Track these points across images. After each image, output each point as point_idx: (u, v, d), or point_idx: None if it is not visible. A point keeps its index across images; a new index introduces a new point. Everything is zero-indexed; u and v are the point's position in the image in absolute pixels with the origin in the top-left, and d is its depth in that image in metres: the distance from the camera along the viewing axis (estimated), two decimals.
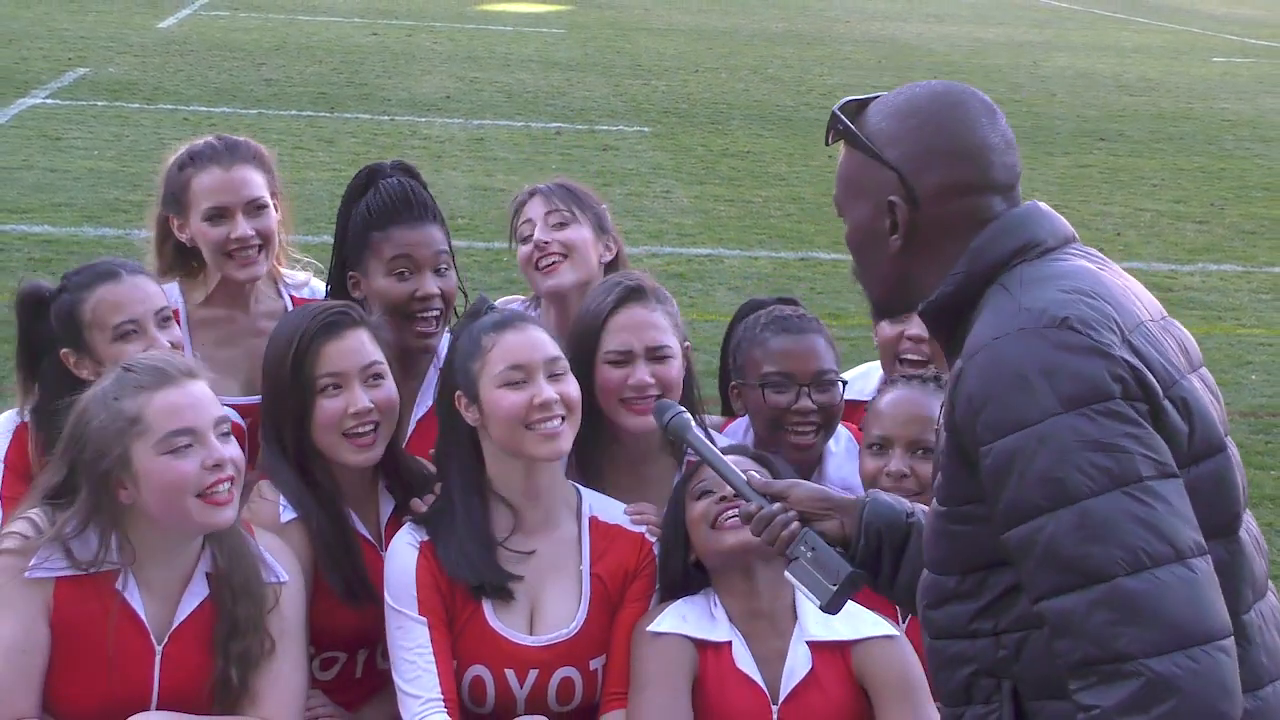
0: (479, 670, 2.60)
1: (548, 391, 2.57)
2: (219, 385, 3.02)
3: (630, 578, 2.67)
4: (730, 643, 2.62)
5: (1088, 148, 12.59)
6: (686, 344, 2.87)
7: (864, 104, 2.07)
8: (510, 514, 2.63)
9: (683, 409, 2.49)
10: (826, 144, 2.10)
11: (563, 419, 2.59)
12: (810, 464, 2.97)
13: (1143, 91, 16.60)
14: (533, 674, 2.60)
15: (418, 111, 12.74)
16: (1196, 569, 1.77)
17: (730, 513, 2.55)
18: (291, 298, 3.22)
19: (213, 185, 3.07)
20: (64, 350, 2.83)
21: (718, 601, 2.65)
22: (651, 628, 2.62)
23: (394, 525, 2.79)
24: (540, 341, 2.63)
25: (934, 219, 1.98)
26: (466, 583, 2.59)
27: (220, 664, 2.50)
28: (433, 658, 2.56)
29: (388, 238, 3.00)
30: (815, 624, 2.62)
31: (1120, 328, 1.86)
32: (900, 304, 2.07)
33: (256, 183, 3.11)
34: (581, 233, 3.24)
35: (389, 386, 2.74)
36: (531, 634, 2.62)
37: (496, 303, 3.14)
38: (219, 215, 3.07)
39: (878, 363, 3.35)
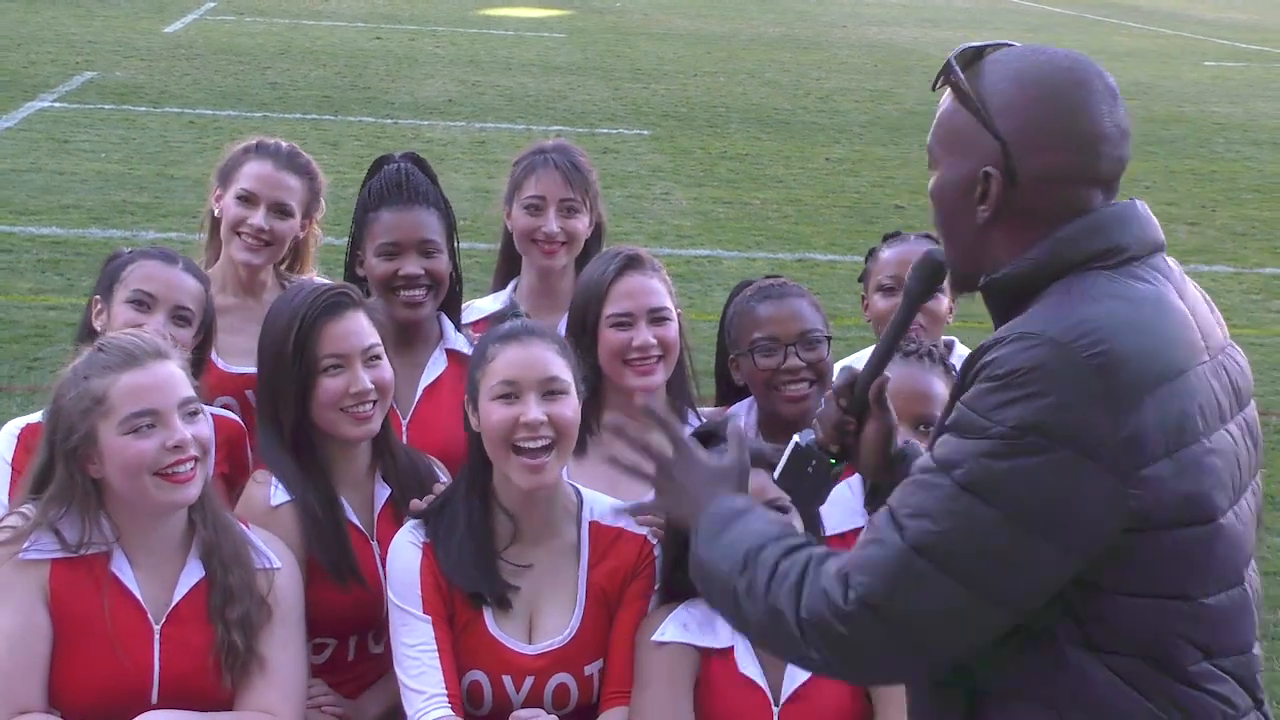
0: (477, 675, 2.63)
1: (534, 412, 2.56)
2: (245, 359, 3.18)
3: (629, 578, 2.69)
4: (733, 647, 2.63)
5: None
6: (679, 310, 2.99)
7: (980, 52, 1.94)
8: (510, 521, 2.65)
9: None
10: (932, 89, 1.98)
11: (551, 444, 2.58)
12: (809, 420, 3.06)
13: (1135, 95, 16.62)
14: (529, 680, 2.63)
15: (420, 115, 12.85)
16: (973, 608, 1.78)
17: None
18: None
19: (254, 173, 3.31)
20: (96, 295, 2.99)
21: None
22: (655, 637, 2.63)
23: (387, 515, 2.82)
24: (539, 359, 2.62)
25: (1028, 201, 1.88)
26: (464, 590, 2.63)
27: (221, 632, 2.51)
28: (436, 654, 2.59)
29: (379, 219, 3.14)
30: None
31: (1155, 377, 1.80)
32: (975, 276, 1.95)
33: (293, 190, 3.32)
34: (584, 220, 3.43)
35: (386, 367, 2.81)
36: (530, 641, 2.64)
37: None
38: (247, 200, 3.30)
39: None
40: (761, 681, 2.61)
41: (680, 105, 14.14)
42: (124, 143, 10.92)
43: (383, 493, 2.85)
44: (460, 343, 3.18)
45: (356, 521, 2.82)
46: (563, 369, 2.64)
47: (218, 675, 2.52)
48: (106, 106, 12.23)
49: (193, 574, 2.55)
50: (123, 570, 2.51)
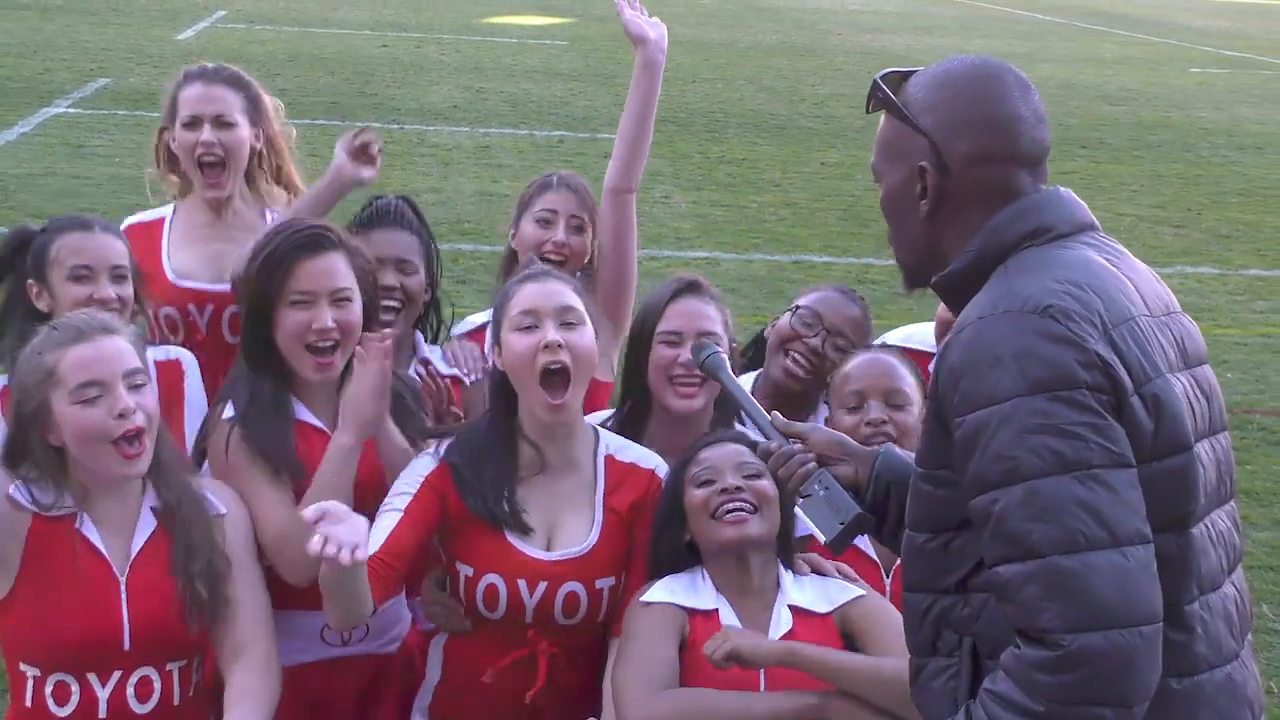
0: (493, 578, 2.72)
1: (552, 334, 2.70)
2: (193, 274, 3.42)
3: (641, 510, 2.80)
4: (718, 609, 2.69)
5: (1070, 155, 12.85)
6: (734, 343, 3.04)
7: (905, 76, 2.11)
8: (534, 453, 2.78)
9: (719, 348, 2.72)
10: (867, 112, 2.15)
11: (568, 373, 2.71)
12: (802, 394, 3.24)
13: (1123, 101, 16.92)
14: (542, 585, 2.72)
15: (426, 120, 13.01)
16: (1131, 556, 1.81)
17: (729, 505, 2.67)
18: (273, 220, 3.49)
19: (191, 97, 3.45)
20: (30, 281, 3.12)
21: (706, 576, 2.73)
22: (643, 599, 2.70)
23: None
24: (556, 291, 2.76)
25: (962, 187, 2.02)
26: (484, 519, 2.73)
27: (183, 585, 2.64)
28: (395, 520, 2.66)
29: (365, 239, 3.26)
30: (797, 593, 2.72)
31: (1103, 322, 1.88)
32: (929, 271, 2.07)
33: (228, 101, 3.47)
34: (588, 240, 3.53)
35: (354, 310, 2.87)
36: (548, 551, 2.75)
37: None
38: (192, 123, 3.48)
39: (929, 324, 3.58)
40: None
41: (679, 111, 14.28)
42: (137, 147, 11.01)
43: None
44: (435, 355, 3.30)
45: (317, 423, 2.89)
46: (578, 303, 2.78)
47: (183, 622, 2.66)
48: (120, 112, 12.36)
49: (147, 525, 2.68)
50: (88, 529, 2.64)
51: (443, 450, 2.79)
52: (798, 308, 3.26)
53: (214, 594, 2.67)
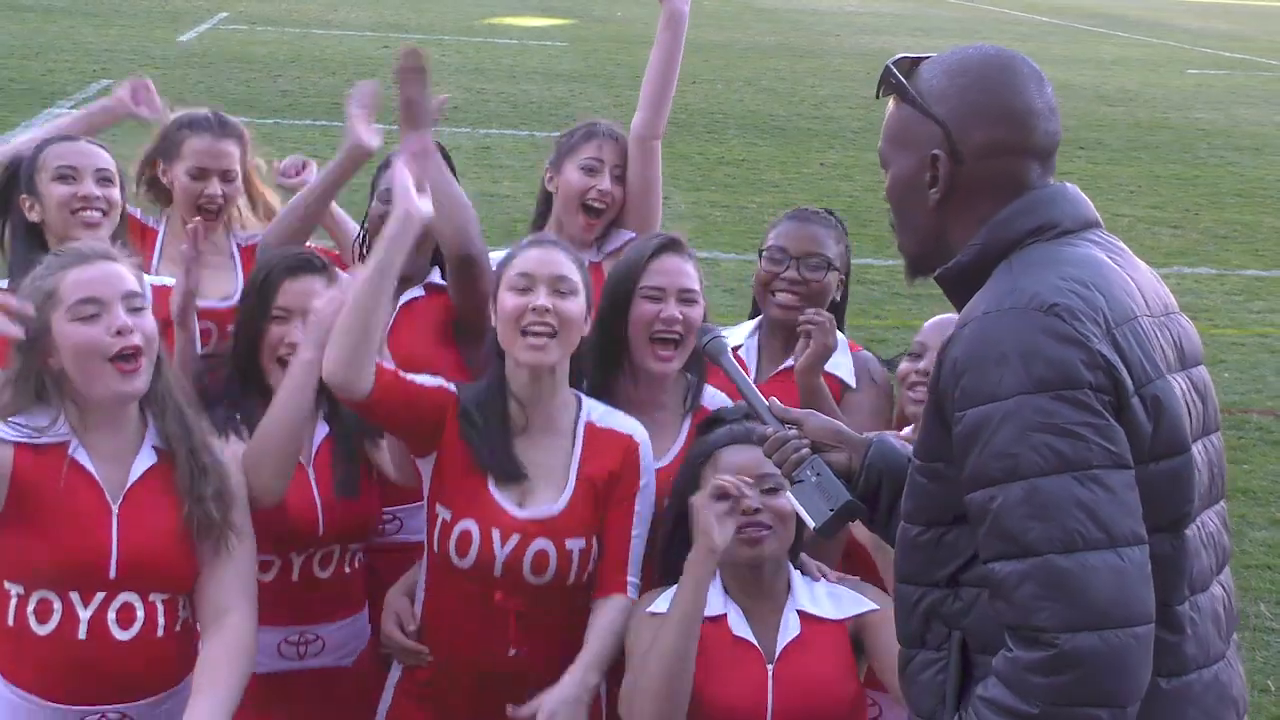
0: (468, 524, 2.82)
1: (542, 299, 2.81)
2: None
3: (616, 478, 2.88)
4: (726, 614, 2.72)
5: (1068, 156, 12.86)
6: (705, 302, 3.10)
7: (916, 62, 2.09)
8: (520, 411, 2.87)
9: (722, 334, 2.74)
10: (877, 97, 2.12)
11: (553, 334, 2.82)
12: (791, 331, 3.21)
13: (1121, 102, 16.99)
14: (514, 539, 2.81)
15: None
16: (1127, 557, 1.81)
17: (749, 529, 2.69)
18: (238, 246, 3.76)
19: (202, 149, 3.63)
20: (22, 195, 3.26)
21: (716, 576, 2.73)
22: (650, 609, 2.71)
23: (325, 449, 3.04)
24: (554, 260, 2.86)
25: (974, 176, 2.00)
26: (478, 465, 2.83)
27: (192, 507, 2.68)
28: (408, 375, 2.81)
29: (382, 176, 3.46)
30: (807, 599, 2.75)
31: (1107, 321, 1.88)
32: (934, 261, 2.06)
33: (232, 155, 3.69)
34: (622, 191, 3.61)
35: None
36: (520, 508, 2.84)
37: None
38: (200, 174, 3.65)
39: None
40: (755, 642, 2.71)
41: (679, 112, 14.21)
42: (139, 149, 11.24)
43: (322, 429, 3.08)
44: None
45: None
46: (574, 274, 2.88)
47: (187, 548, 2.70)
48: None
49: (146, 458, 2.72)
50: (81, 457, 2.68)
51: (455, 388, 2.91)
52: (763, 250, 3.33)
53: (224, 518, 2.72)
